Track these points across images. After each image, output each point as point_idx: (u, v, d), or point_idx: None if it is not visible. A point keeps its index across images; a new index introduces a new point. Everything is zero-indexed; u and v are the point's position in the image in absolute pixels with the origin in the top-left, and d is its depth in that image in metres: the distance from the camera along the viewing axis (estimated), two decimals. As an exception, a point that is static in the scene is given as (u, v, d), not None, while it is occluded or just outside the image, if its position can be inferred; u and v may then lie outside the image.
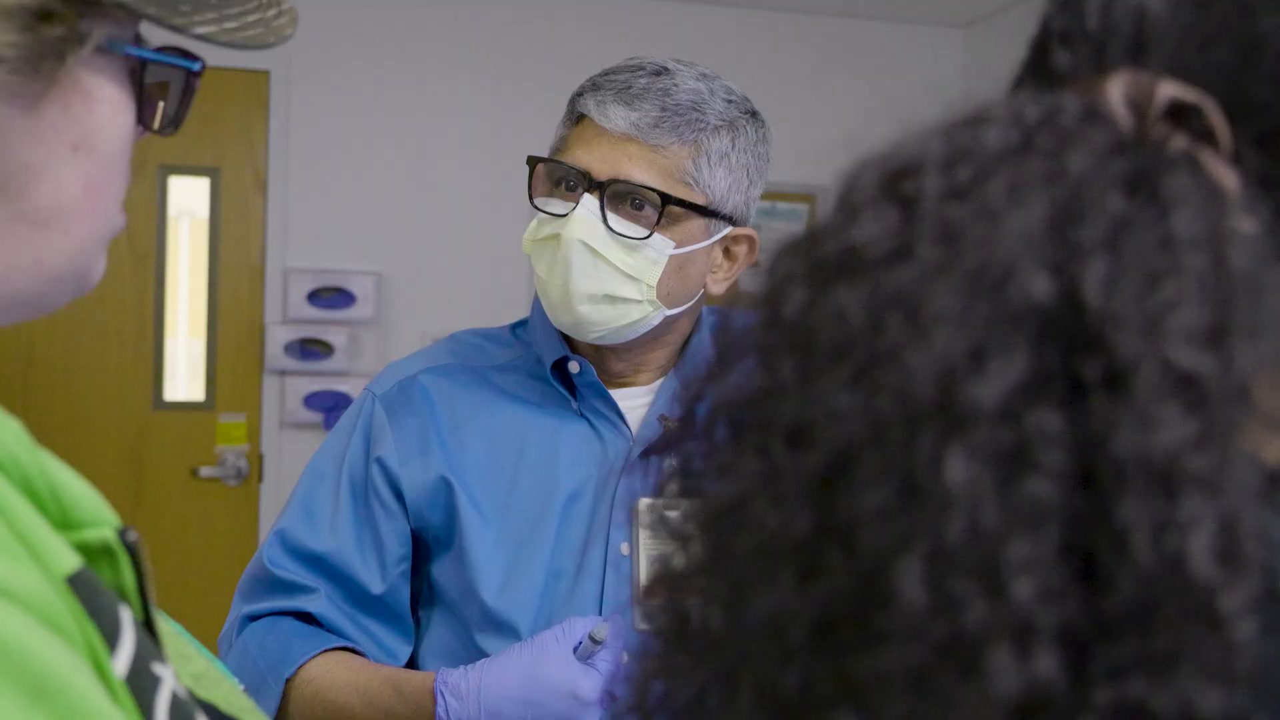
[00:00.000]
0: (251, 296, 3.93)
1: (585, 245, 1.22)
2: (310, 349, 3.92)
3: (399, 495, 1.30)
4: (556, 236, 1.23)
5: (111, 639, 0.50)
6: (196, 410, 3.90)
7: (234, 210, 3.90)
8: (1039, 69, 0.56)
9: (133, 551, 0.54)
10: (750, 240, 1.33)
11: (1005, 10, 4.21)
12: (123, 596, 0.54)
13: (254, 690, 1.24)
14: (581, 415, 1.32)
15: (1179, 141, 0.46)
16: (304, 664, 1.24)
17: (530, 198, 1.28)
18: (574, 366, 1.31)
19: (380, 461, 1.30)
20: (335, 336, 3.92)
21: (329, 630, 1.29)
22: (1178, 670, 0.38)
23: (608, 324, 1.25)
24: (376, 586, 1.29)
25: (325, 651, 1.26)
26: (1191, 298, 0.40)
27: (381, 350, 4.01)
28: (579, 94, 1.27)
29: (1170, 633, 0.38)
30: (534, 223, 1.28)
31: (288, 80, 3.92)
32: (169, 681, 0.52)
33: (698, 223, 1.26)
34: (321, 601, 1.29)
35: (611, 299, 1.24)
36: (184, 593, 3.53)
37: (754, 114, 1.30)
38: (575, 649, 1.17)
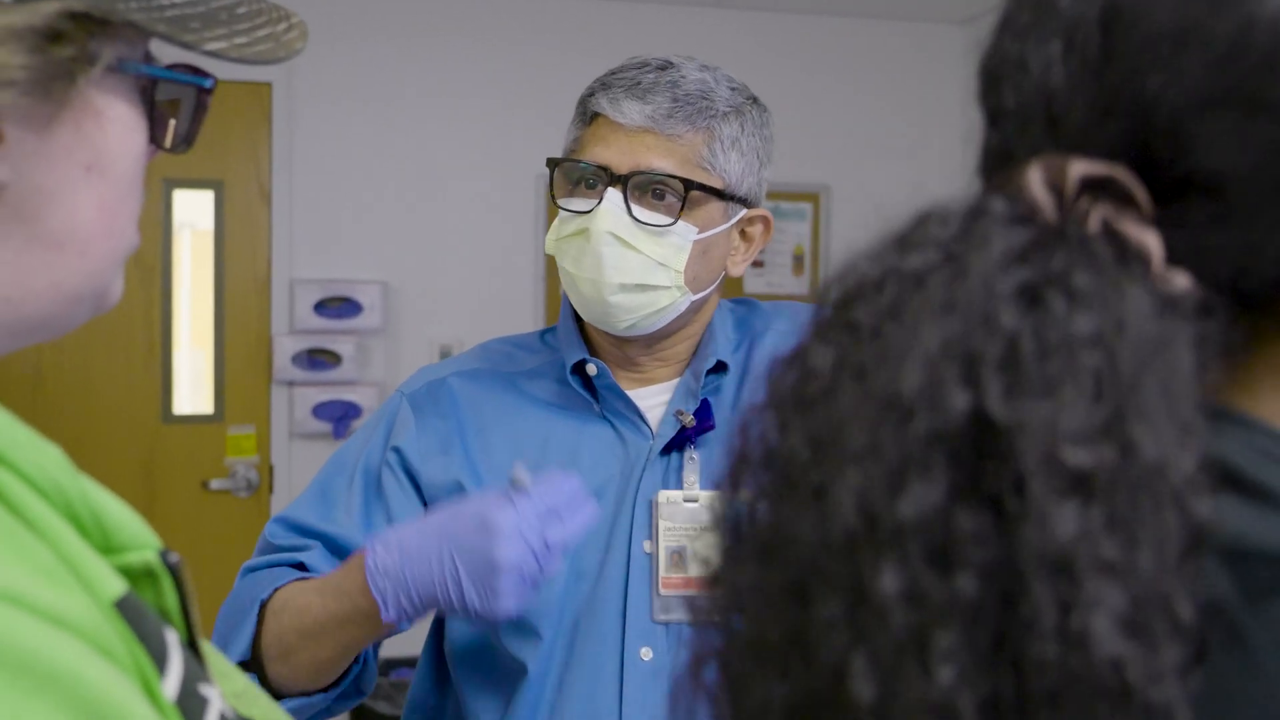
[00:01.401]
0: (258, 308, 3.94)
1: (614, 236, 1.24)
2: (318, 359, 3.92)
3: (415, 484, 1.31)
4: (584, 231, 1.25)
5: (160, 662, 0.50)
6: (205, 423, 3.91)
7: (239, 222, 3.91)
8: (983, 148, 0.60)
9: (175, 573, 0.55)
10: (765, 220, 1.36)
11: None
12: (166, 618, 0.54)
13: (235, 622, 1.23)
14: (603, 417, 1.33)
15: (1097, 217, 0.49)
16: (280, 586, 1.24)
17: (553, 198, 1.30)
18: (591, 369, 1.33)
19: (399, 450, 1.31)
20: (343, 346, 3.93)
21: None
22: None
23: (639, 311, 1.27)
24: None
25: (303, 578, 1.26)
26: (1081, 398, 0.44)
27: (390, 359, 4.02)
28: (589, 94, 1.30)
29: (1082, 707, 0.42)
30: (556, 222, 1.30)
31: (290, 92, 3.93)
32: (216, 702, 0.52)
33: (717, 206, 1.29)
34: (314, 555, 1.28)
35: (642, 287, 1.26)
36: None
37: (755, 100, 1.34)
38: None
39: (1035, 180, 0.50)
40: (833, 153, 4.27)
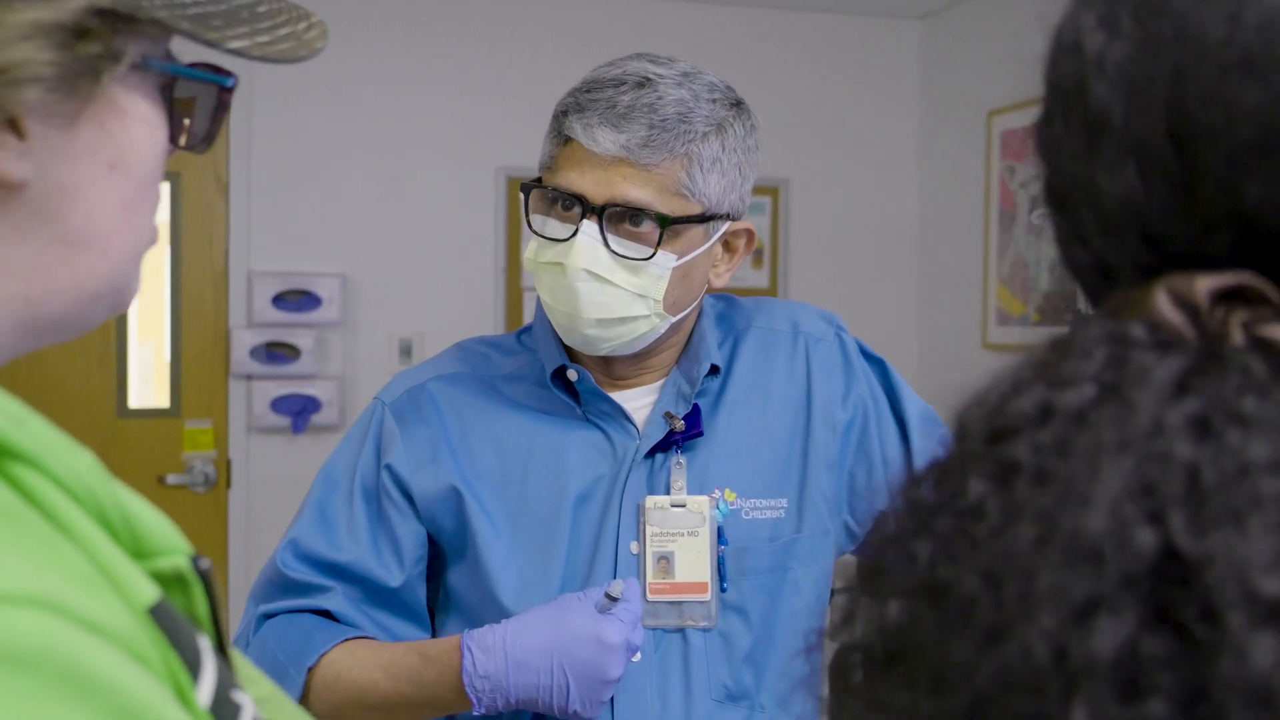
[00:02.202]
0: (215, 301, 3.91)
1: (591, 273, 1.21)
2: (276, 352, 3.90)
3: (410, 500, 1.31)
4: (560, 265, 1.22)
5: (194, 668, 0.50)
6: (162, 417, 3.87)
7: (195, 214, 3.87)
8: (1072, 265, 0.60)
9: (205, 578, 0.55)
10: (748, 232, 1.33)
11: (962, 2, 4.24)
12: (196, 624, 0.54)
13: (276, 683, 1.24)
14: (588, 420, 1.32)
15: (1237, 327, 0.49)
16: (326, 652, 1.25)
17: (526, 218, 1.27)
18: (573, 375, 1.31)
19: (390, 469, 1.31)
20: (302, 339, 3.91)
21: (347, 625, 1.30)
22: None
23: (616, 340, 1.26)
24: (394, 580, 1.30)
25: (347, 640, 1.26)
26: (1268, 526, 0.44)
27: (349, 352, 4.00)
28: (563, 113, 1.26)
29: None
30: (534, 244, 1.27)
31: (249, 82, 3.89)
32: (249, 708, 0.52)
33: (697, 230, 1.26)
34: (338, 599, 1.29)
35: (621, 320, 1.24)
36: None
37: (739, 104, 1.29)
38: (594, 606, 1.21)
39: (1164, 302, 0.51)
40: (792, 146, 4.28)
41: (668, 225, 1.21)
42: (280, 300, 3.90)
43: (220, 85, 0.63)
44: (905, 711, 0.49)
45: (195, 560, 0.55)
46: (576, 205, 1.22)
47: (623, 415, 1.31)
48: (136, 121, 0.58)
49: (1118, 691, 0.44)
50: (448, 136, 4.05)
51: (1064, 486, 0.47)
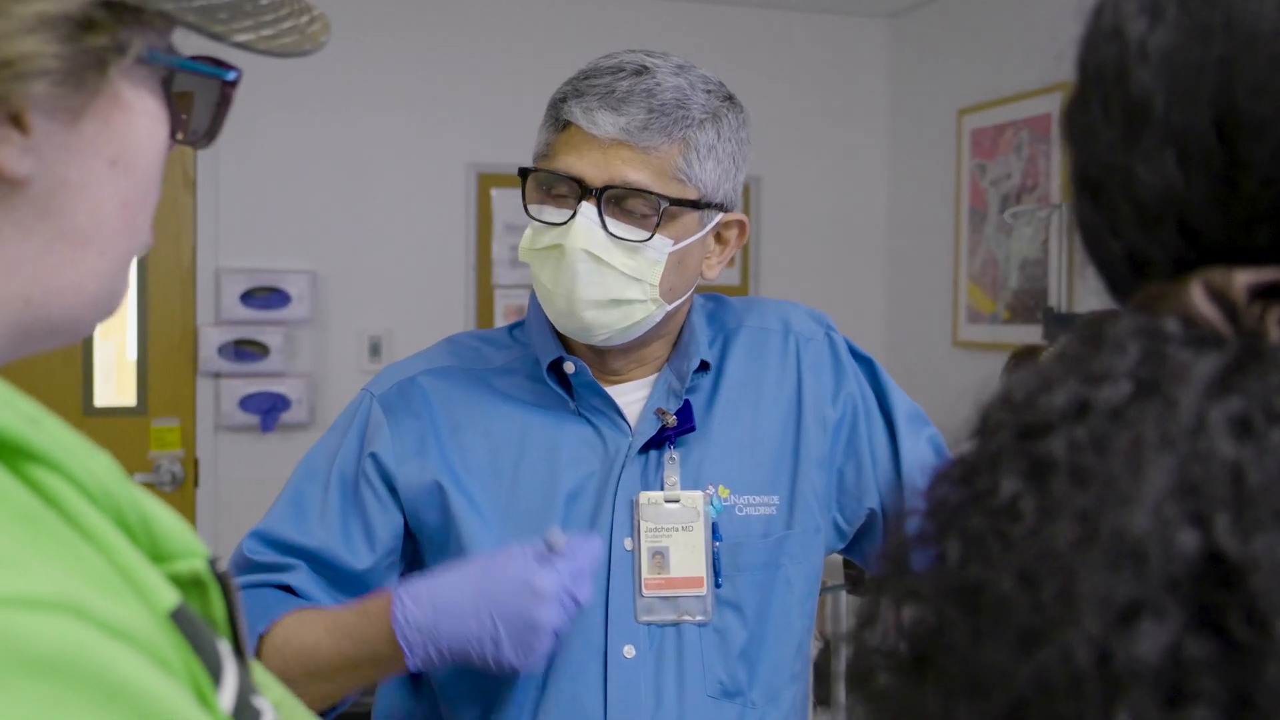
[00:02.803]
0: (183, 298, 3.87)
1: (589, 254, 1.22)
2: (245, 350, 3.86)
3: (393, 491, 1.30)
4: (559, 246, 1.23)
5: (215, 673, 0.49)
6: (128, 415, 3.83)
7: (162, 210, 3.82)
8: (1103, 255, 0.59)
9: (222, 582, 0.54)
10: (740, 224, 1.35)
11: (932, 1, 4.26)
12: (213, 627, 0.53)
13: None
14: (580, 414, 1.32)
15: (1274, 323, 0.49)
16: (278, 620, 1.23)
17: (525, 207, 1.28)
18: (569, 367, 1.31)
19: (375, 457, 1.30)
20: (270, 337, 3.87)
21: (307, 601, 1.28)
22: None
23: (614, 326, 1.26)
24: (361, 564, 1.29)
25: (301, 610, 1.25)
26: None
27: (319, 350, 3.97)
28: (561, 99, 1.27)
29: None
30: (529, 231, 1.28)
31: (215, 78, 3.85)
32: (269, 714, 0.52)
33: (692, 216, 1.27)
34: (301, 576, 1.28)
35: (617, 303, 1.25)
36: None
37: (732, 99, 1.32)
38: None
39: (1200, 296, 0.50)
40: (763, 144, 4.28)
41: (666, 207, 1.23)
42: (249, 297, 3.86)
43: (223, 79, 0.62)
44: (939, 717, 0.49)
45: (213, 563, 0.54)
46: (574, 189, 1.23)
47: (616, 411, 1.31)
48: (141, 116, 0.57)
49: (1161, 697, 0.43)
50: (418, 133, 4.03)
51: (1105, 485, 0.46)
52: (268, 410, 3.87)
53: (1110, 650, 0.44)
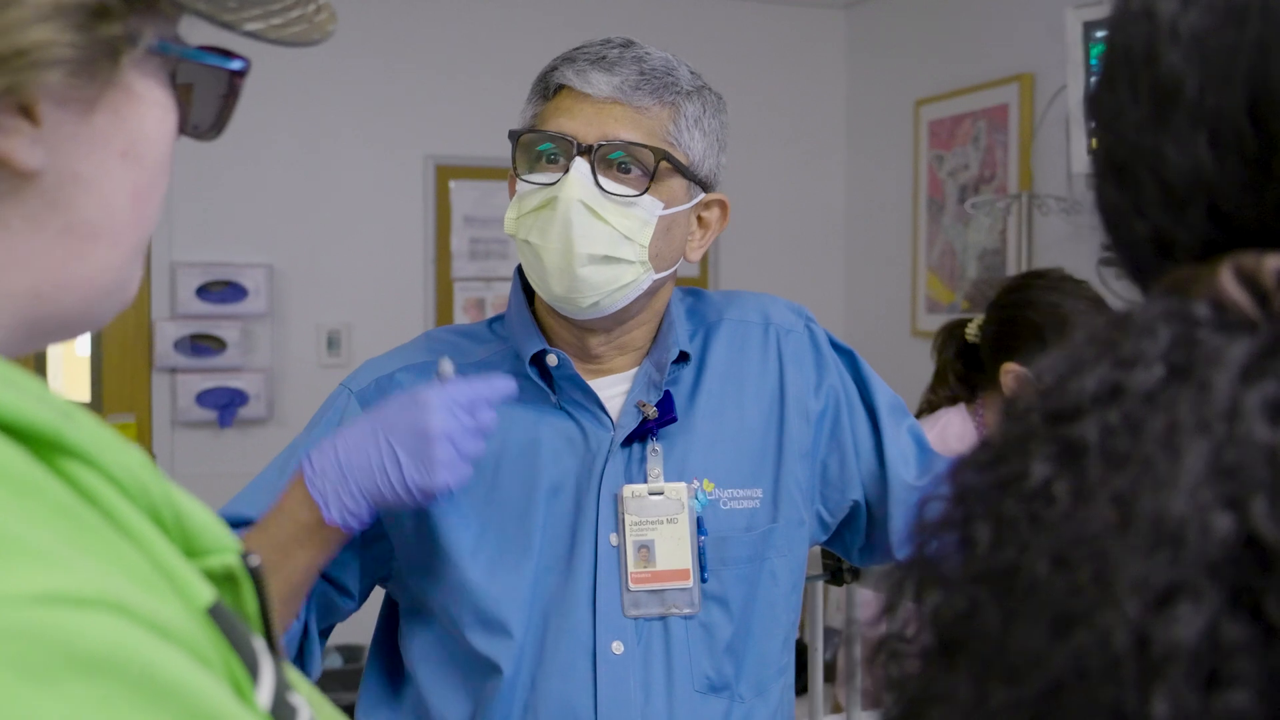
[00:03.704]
0: (138, 292, 3.81)
1: (583, 205, 1.22)
2: (201, 345, 3.82)
3: None
4: (552, 200, 1.23)
5: (253, 670, 0.49)
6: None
7: (115, 204, 3.78)
8: (1125, 237, 0.59)
9: (255, 576, 0.53)
10: (722, 205, 1.37)
11: (889, -8, 4.28)
12: (246, 623, 0.52)
13: None
14: (561, 408, 1.31)
15: None
16: None
17: (514, 172, 1.28)
18: (552, 360, 1.30)
19: None
20: (227, 331, 3.83)
21: None
22: None
23: (604, 286, 1.25)
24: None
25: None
26: None
27: (276, 345, 3.93)
28: (551, 69, 1.29)
29: None
30: (516, 199, 1.28)
31: (168, 69, 3.80)
32: (305, 711, 0.51)
33: (680, 184, 1.29)
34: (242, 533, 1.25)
35: (609, 259, 1.24)
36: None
37: (710, 88, 1.35)
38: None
39: (1230, 280, 0.50)
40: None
41: (661, 159, 1.25)
42: (205, 291, 3.82)
43: (231, 70, 0.61)
44: (973, 703, 0.49)
45: (246, 558, 0.54)
46: (564, 155, 1.24)
47: (597, 404, 1.30)
48: (152, 108, 0.56)
49: (1198, 679, 0.44)
50: (376, 125, 4.00)
51: (1142, 469, 0.47)
52: (225, 405, 3.82)
53: (1148, 633, 0.44)
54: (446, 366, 1.19)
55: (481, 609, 1.25)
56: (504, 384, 1.19)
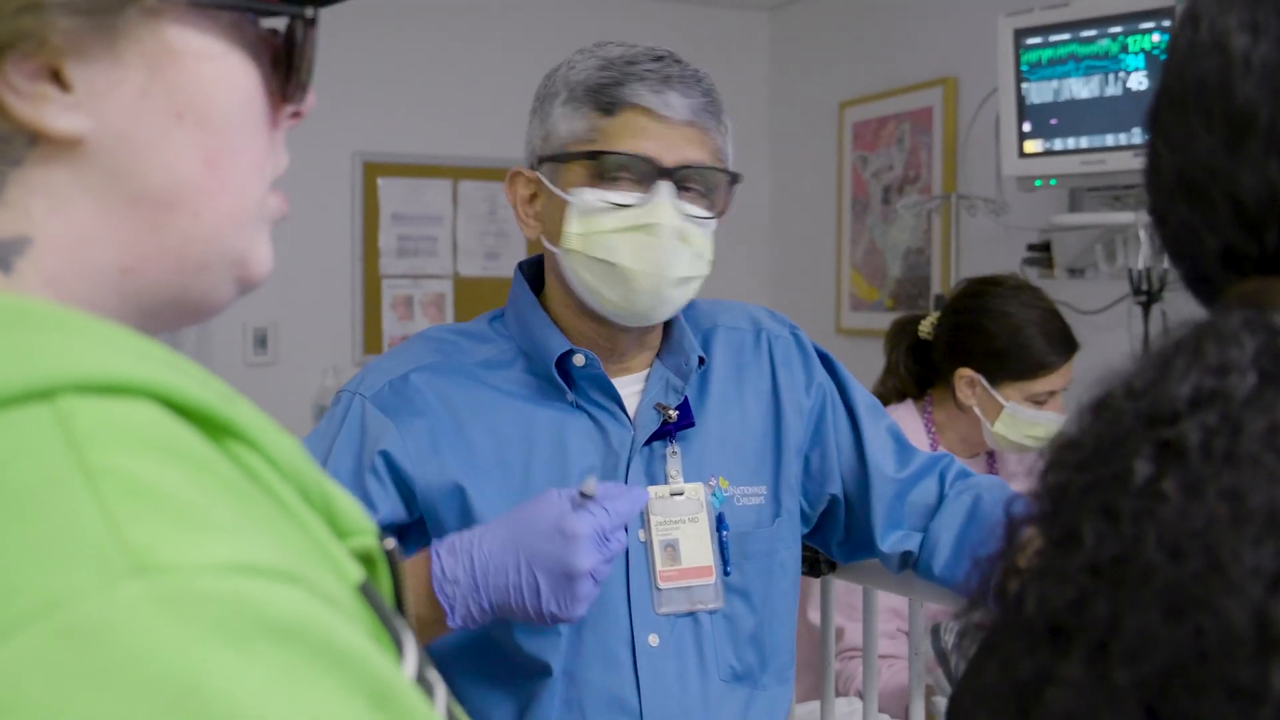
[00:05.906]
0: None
1: (678, 232, 1.25)
2: (126, 344, 3.73)
3: (401, 488, 1.27)
4: (649, 226, 1.24)
5: (400, 646, 0.50)
6: None
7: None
8: (1196, 250, 0.64)
9: (390, 559, 0.54)
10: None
11: (812, -5, 4.35)
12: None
13: None
14: (578, 407, 1.32)
15: None
16: None
17: (546, 182, 1.29)
18: (579, 360, 1.31)
19: (386, 455, 1.26)
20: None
21: None
22: None
23: (678, 303, 1.31)
24: None
25: None
26: None
27: (202, 343, 3.87)
28: (614, 84, 1.26)
29: None
30: (586, 214, 1.26)
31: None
32: (440, 688, 0.52)
33: (728, 197, 1.34)
34: None
35: (687, 280, 1.29)
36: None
37: None
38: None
39: None
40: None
41: (735, 182, 1.30)
42: (128, 289, 3.73)
43: (295, 18, 0.57)
44: (1090, 684, 0.52)
45: (381, 541, 0.55)
46: (644, 170, 1.25)
47: (618, 404, 1.32)
48: (203, 63, 0.52)
49: None
50: (303, 121, 3.93)
51: (1250, 465, 0.51)
52: (151, 405, 3.75)
53: (1268, 615, 0.48)
54: (591, 485, 1.15)
55: None
56: (643, 499, 1.19)
